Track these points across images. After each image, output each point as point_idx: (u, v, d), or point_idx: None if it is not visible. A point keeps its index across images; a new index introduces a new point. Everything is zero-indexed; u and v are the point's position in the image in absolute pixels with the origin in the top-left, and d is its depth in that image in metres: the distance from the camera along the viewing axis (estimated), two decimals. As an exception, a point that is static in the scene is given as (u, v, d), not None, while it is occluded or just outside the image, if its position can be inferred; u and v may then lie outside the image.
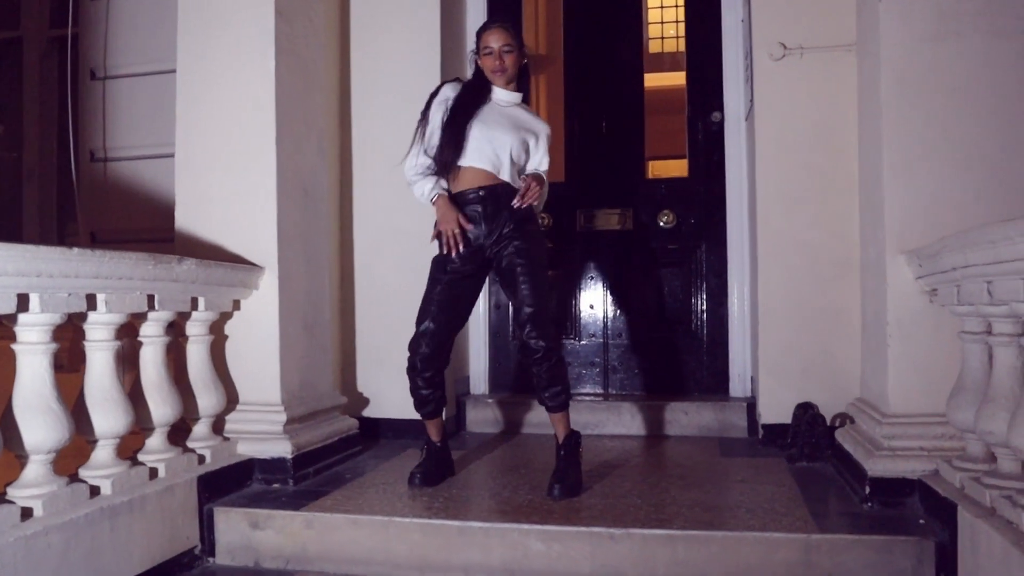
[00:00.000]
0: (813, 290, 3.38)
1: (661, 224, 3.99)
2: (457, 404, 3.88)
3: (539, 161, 2.90)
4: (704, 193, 3.96)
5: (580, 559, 2.36)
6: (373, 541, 2.49)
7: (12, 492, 2.11)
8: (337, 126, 3.73)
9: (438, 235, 2.83)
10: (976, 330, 2.31)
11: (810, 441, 3.14)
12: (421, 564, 2.45)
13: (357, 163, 3.79)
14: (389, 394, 3.72)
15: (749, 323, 3.83)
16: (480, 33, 2.89)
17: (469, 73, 3.03)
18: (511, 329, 4.13)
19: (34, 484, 2.13)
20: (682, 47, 4.19)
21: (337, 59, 3.74)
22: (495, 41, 2.83)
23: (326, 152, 3.47)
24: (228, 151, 3.06)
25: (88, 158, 4.08)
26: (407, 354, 3.59)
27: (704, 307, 3.97)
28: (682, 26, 4.18)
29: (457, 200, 2.82)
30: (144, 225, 4.06)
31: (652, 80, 4.23)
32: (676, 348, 4.00)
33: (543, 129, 2.93)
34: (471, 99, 2.85)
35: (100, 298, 2.32)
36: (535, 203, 2.82)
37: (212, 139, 3.08)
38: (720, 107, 3.92)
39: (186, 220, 3.09)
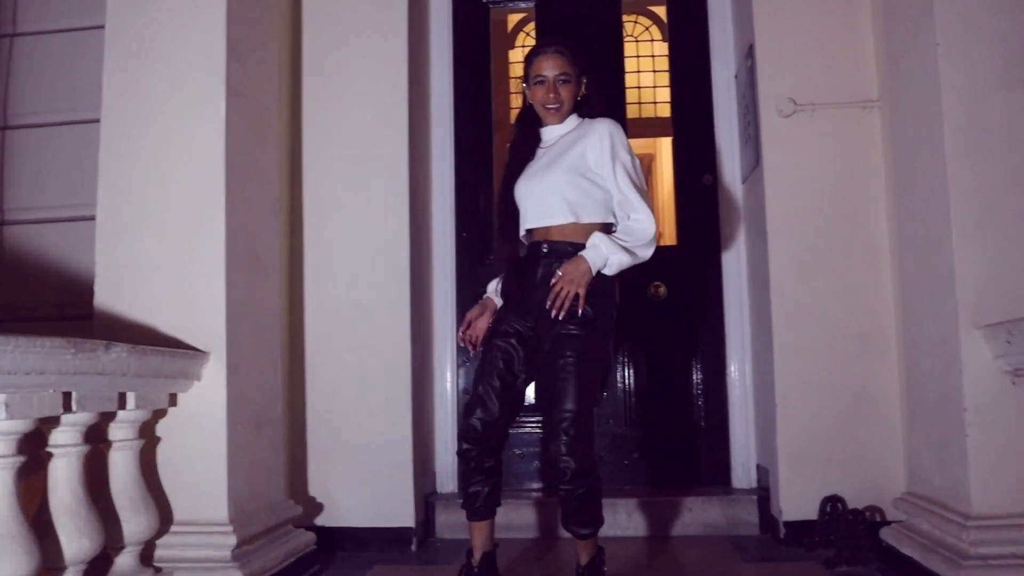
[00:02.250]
0: (835, 369, 3.02)
1: (649, 296, 3.59)
2: (426, 506, 3.32)
3: (611, 180, 2.31)
4: (697, 262, 3.60)
5: None
6: None
7: None
8: (287, 183, 3.22)
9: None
10: (1088, 418, 1.99)
11: (851, 542, 2.74)
12: None
13: (309, 226, 3.26)
14: (347, 498, 3.14)
15: (753, 406, 3.44)
16: (532, 57, 2.41)
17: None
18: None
19: None
20: (662, 112, 3.88)
21: (288, 106, 3.25)
22: (550, 69, 2.36)
23: (278, 213, 2.95)
24: (164, 211, 2.53)
25: (-20, 221, 3.43)
26: (365, 451, 3.13)
27: (700, 389, 3.57)
28: (662, 91, 3.88)
29: (530, 254, 2.41)
30: (47, 300, 3.40)
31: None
32: (670, 435, 3.56)
33: (600, 130, 2.34)
34: (515, 159, 2.48)
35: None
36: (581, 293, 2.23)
37: (144, 197, 2.54)
38: (712, 170, 3.60)
39: (108, 295, 2.51)
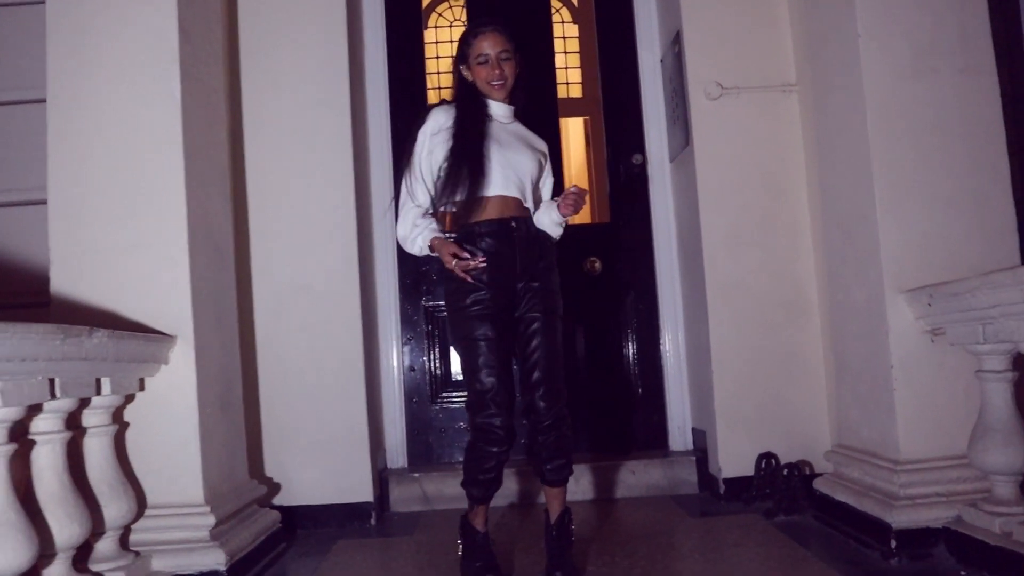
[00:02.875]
0: (763, 335, 3.26)
1: (585, 272, 3.75)
2: (380, 481, 3.39)
3: (550, 187, 2.57)
4: (629, 238, 3.78)
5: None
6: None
7: None
8: (231, 165, 3.19)
9: (461, 278, 2.33)
10: (999, 368, 2.25)
11: (787, 494, 2.99)
12: None
13: (254, 210, 3.26)
14: (302, 477, 3.18)
15: (687, 374, 3.66)
16: (470, 39, 2.44)
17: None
18: (429, 392, 3.71)
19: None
20: (574, 92, 4.03)
21: (227, 90, 3.22)
22: (491, 47, 2.41)
23: (228, 195, 2.95)
24: (121, 194, 2.50)
25: None
26: (320, 430, 3.16)
27: (636, 358, 3.76)
28: (573, 72, 4.03)
29: (478, 231, 2.36)
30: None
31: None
32: (610, 402, 3.75)
33: (545, 146, 2.58)
34: (477, 117, 2.42)
35: (-7, 387, 1.72)
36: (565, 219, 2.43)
37: (99, 180, 2.50)
38: (641, 149, 3.77)
39: (65, 280, 2.47)
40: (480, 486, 2.37)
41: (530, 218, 2.44)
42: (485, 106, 2.47)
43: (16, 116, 3.21)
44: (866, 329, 2.65)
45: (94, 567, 2.14)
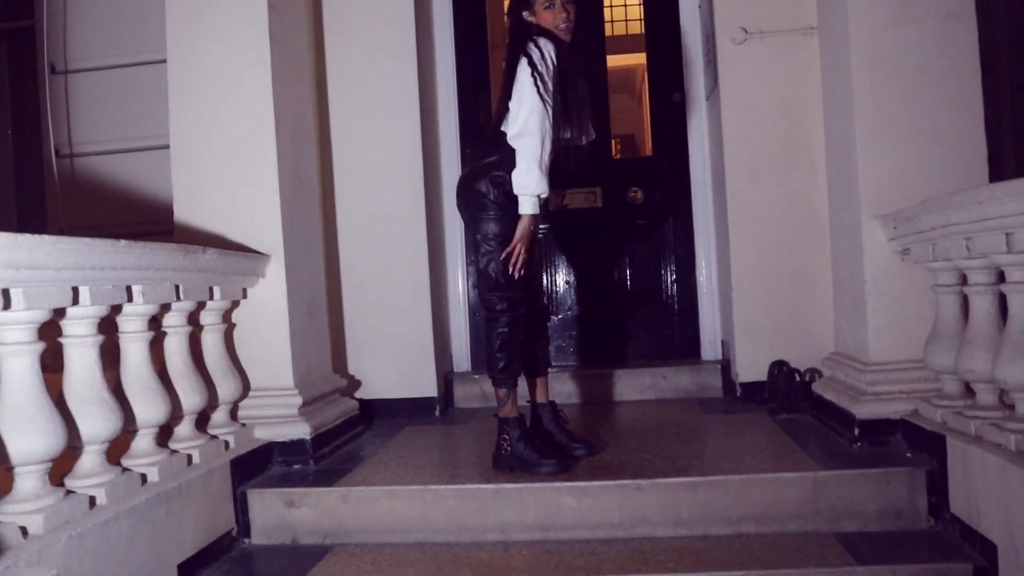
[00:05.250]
0: (780, 257, 3.64)
1: (629, 201, 4.19)
2: (445, 382, 4.00)
3: None
4: (668, 170, 4.19)
5: (610, 510, 2.54)
6: (410, 510, 2.61)
7: (71, 483, 2.14)
8: (316, 114, 3.77)
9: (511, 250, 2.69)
10: (949, 283, 2.61)
11: (788, 395, 3.41)
12: (458, 527, 2.59)
13: (337, 150, 3.85)
14: (379, 375, 3.82)
15: (718, 291, 4.09)
16: None
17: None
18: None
19: (92, 474, 2.17)
20: (639, 29, 4.38)
21: (312, 48, 3.79)
22: None
23: (313, 140, 3.53)
24: (226, 141, 3.09)
25: (53, 154, 4.00)
26: (393, 336, 3.78)
27: (674, 278, 4.21)
28: (639, 9, 4.37)
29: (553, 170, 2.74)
30: (116, 219, 4.02)
31: (611, 61, 4.40)
32: (650, 318, 4.23)
33: None
34: (574, 61, 2.59)
35: (136, 289, 2.36)
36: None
37: (209, 129, 3.10)
38: (681, 88, 4.14)
39: (185, 211, 3.11)
40: (519, 361, 2.85)
41: None
42: (569, 48, 2.61)
43: (138, 75, 3.88)
44: (849, 249, 3.03)
45: (211, 431, 2.82)
